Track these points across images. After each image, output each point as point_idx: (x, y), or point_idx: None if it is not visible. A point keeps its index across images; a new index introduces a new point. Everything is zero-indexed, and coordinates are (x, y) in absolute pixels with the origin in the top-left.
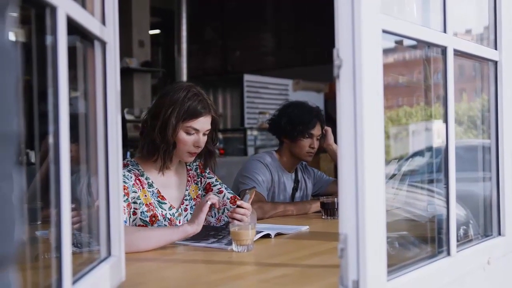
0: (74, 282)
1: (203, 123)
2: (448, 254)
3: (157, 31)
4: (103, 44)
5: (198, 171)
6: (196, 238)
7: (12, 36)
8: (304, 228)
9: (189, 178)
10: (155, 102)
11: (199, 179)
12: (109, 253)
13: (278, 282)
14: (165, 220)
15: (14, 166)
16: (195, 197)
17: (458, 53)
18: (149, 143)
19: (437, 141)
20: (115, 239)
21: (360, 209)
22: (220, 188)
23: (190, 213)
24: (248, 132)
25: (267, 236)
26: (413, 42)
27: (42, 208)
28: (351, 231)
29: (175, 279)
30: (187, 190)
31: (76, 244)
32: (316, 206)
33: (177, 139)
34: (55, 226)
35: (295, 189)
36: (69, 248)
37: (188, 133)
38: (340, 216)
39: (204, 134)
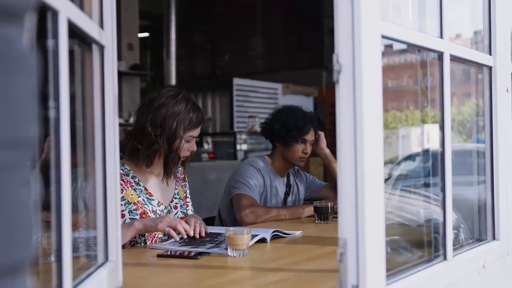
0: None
1: (199, 130)
2: (445, 258)
3: (146, 34)
4: (101, 48)
5: (182, 176)
6: (193, 244)
7: (30, 42)
8: (298, 233)
9: (177, 179)
10: (154, 112)
11: (184, 184)
12: (106, 259)
13: (277, 287)
14: (155, 216)
15: (31, 172)
16: (183, 197)
17: (453, 58)
18: (153, 153)
19: (428, 146)
20: (113, 244)
21: (360, 214)
22: (189, 202)
23: (181, 211)
24: (238, 136)
25: (262, 240)
26: (403, 46)
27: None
28: (351, 235)
29: (171, 284)
30: (176, 189)
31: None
32: (309, 210)
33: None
34: (56, 231)
35: (287, 194)
36: (69, 254)
37: (187, 141)
38: (339, 220)
39: (196, 139)
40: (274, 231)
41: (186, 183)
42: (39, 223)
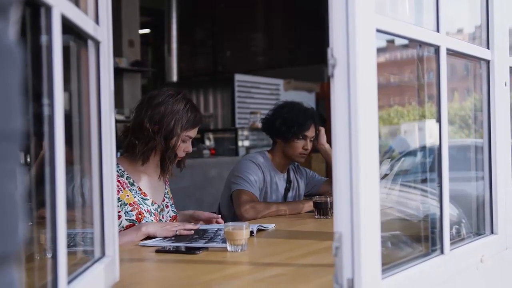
0: (69, 282)
1: (196, 131)
2: (442, 252)
3: (147, 31)
4: (97, 43)
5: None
6: (181, 240)
7: (15, 35)
8: (271, 227)
9: (167, 179)
10: (153, 109)
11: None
12: (103, 253)
13: (273, 281)
14: (150, 215)
15: (18, 165)
16: (171, 197)
17: (450, 52)
18: (149, 149)
19: (429, 141)
20: (109, 239)
21: (355, 208)
22: (168, 203)
23: (172, 210)
24: (239, 132)
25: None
26: (405, 41)
27: (34, 208)
28: (346, 229)
29: (169, 279)
30: (166, 189)
31: (69, 244)
32: (308, 205)
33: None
34: (51, 227)
35: (287, 189)
36: (64, 249)
37: (183, 141)
38: (335, 214)
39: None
40: (258, 228)
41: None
42: (26, 215)
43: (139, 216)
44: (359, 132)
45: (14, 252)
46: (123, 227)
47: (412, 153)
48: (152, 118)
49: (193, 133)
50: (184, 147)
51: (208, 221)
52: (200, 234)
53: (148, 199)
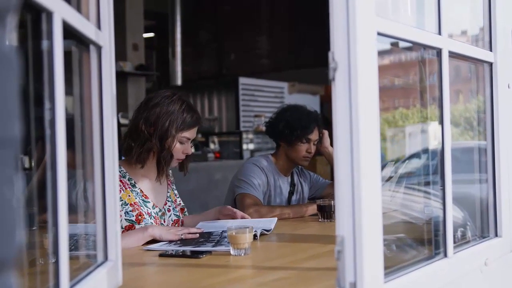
0: (71, 287)
1: (195, 132)
2: (445, 255)
3: (151, 34)
4: (99, 48)
5: (172, 179)
6: (187, 244)
7: (12, 42)
8: (274, 222)
9: (169, 183)
10: (148, 111)
11: (174, 186)
12: (106, 258)
13: (276, 285)
14: (150, 218)
15: (15, 170)
16: (174, 200)
17: (453, 55)
18: (146, 151)
19: (434, 143)
20: (112, 243)
21: (357, 211)
22: (170, 207)
23: (174, 214)
24: (244, 136)
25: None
26: (408, 44)
27: (37, 213)
28: (348, 233)
29: (172, 283)
30: (168, 192)
31: (72, 248)
32: (312, 208)
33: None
34: (52, 231)
35: (291, 193)
36: (66, 253)
37: (181, 143)
38: (337, 218)
39: (191, 142)
40: (261, 233)
41: (174, 186)
42: (24, 221)
43: (139, 218)
44: (361, 135)
45: (12, 258)
46: (122, 227)
47: (417, 155)
48: (147, 120)
49: (190, 134)
50: (182, 149)
51: (233, 217)
52: (206, 237)
53: (149, 202)
